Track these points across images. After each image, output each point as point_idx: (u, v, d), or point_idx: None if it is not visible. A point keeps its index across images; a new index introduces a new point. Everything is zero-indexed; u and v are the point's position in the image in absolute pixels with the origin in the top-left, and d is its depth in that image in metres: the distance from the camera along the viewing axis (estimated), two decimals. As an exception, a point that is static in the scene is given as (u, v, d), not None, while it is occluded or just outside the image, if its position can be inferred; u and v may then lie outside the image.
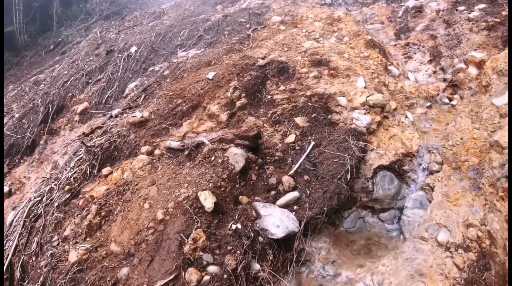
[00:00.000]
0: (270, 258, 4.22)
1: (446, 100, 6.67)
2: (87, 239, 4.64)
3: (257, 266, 4.08)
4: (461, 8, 8.40)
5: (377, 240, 4.93)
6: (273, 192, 4.75)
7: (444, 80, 7.17)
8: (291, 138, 5.34)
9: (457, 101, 6.51)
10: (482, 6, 8.05)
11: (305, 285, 4.35)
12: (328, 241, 4.73)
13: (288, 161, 5.10)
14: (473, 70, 6.56)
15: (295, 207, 4.63)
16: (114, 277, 4.06)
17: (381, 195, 5.11)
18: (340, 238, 4.89)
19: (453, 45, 7.63)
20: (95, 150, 5.72)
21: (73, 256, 4.42)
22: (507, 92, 5.28)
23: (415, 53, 8.18)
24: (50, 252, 4.69)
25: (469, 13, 7.91)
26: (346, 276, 4.39)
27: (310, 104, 5.74)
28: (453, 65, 7.14)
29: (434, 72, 7.62)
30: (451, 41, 7.74)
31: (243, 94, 6.08)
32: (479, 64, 6.50)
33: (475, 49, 7.02)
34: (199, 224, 4.09)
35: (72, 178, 5.57)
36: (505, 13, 7.31)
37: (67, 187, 5.43)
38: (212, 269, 3.84)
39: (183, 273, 3.79)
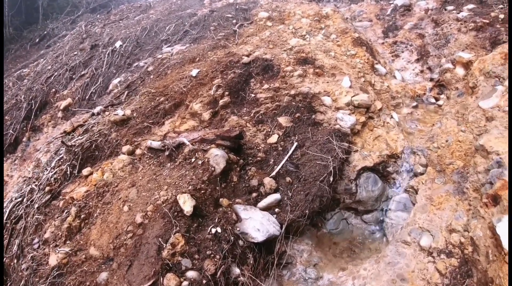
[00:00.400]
0: (251, 262, 4.13)
1: (433, 100, 6.62)
2: (67, 242, 4.52)
3: (237, 271, 3.99)
4: (450, 7, 8.33)
5: (360, 242, 4.87)
6: (254, 194, 4.65)
7: (431, 79, 7.11)
8: (274, 139, 5.23)
9: (443, 101, 6.46)
10: (471, 6, 7.98)
11: (286, 288, 4.29)
12: (310, 243, 4.66)
13: (270, 162, 5.00)
14: (460, 71, 6.51)
15: (276, 210, 4.54)
16: (93, 282, 3.94)
17: (364, 196, 5.04)
18: (322, 240, 4.82)
19: (441, 45, 7.57)
20: (76, 150, 5.57)
21: (53, 260, 4.31)
22: (494, 95, 5.21)
23: (402, 52, 8.10)
24: (31, 255, 4.58)
25: (458, 13, 7.84)
26: (328, 279, 4.33)
27: (294, 103, 5.62)
28: (441, 65, 7.08)
29: (421, 71, 7.56)
30: (439, 41, 7.68)
31: (227, 93, 5.95)
32: (467, 65, 6.44)
33: (463, 50, 6.96)
34: (178, 228, 3.98)
35: (53, 178, 5.42)
36: (494, 14, 7.25)
37: (47, 188, 5.28)
38: (191, 274, 3.74)
39: (161, 278, 3.68)
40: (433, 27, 8.09)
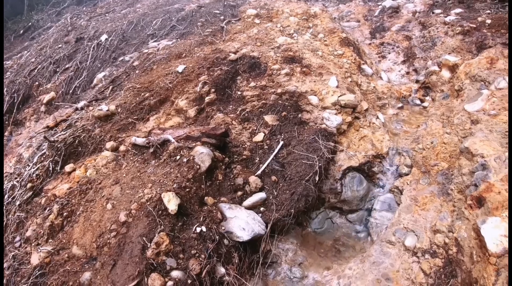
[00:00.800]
0: (236, 261, 4.06)
1: (418, 102, 6.64)
2: (49, 240, 4.38)
3: (222, 270, 3.92)
4: (437, 11, 8.37)
5: (344, 242, 4.84)
6: (239, 193, 4.58)
7: (417, 81, 7.14)
8: (259, 137, 5.15)
9: (428, 103, 6.49)
10: (458, 10, 8.02)
11: (271, 287, 4.24)
12: (295, 242, 4.61)
13: (256, 161, 4.93)
14: (446, 74, 6.55)
15: (261, 209, 4.47)
16: (76, 282, 3.82)
17: (349, 196, 5.02)
18: (307, 239, 4.78)
19: (428, 47, 7.59)
20: (59, 145, 5.41)
21: (35, 259, 4.16)
22: (479, 98, 5.23)
23: (389, 53, 8.10)
24: (12, 253, 4.42)
25: (445, 17, 7.87)
26: (313, 279, 4.29)
27: (280, 102, 5.55)
28: (427, 67, 7.12)
29: (407, 73, 7.57)
30: (426, 43, 7.70)
31: (213, 90, 5.85)
32: (452, 68, 6.47)
33: (449, 53, 7.00)
34: (162, 227, 3.89)
35: (35, 174, 5.25)
36: (481, 19, 7.29)
37: (29, 185, 5.12)
38: (175, 274, 3.66)
39: (145, 278, 3.59)
40: (420, 29, 8.11)
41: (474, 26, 7.15)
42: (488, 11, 7.58)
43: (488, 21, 7.14)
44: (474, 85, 5.61)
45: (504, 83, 5.24)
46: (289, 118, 5.39)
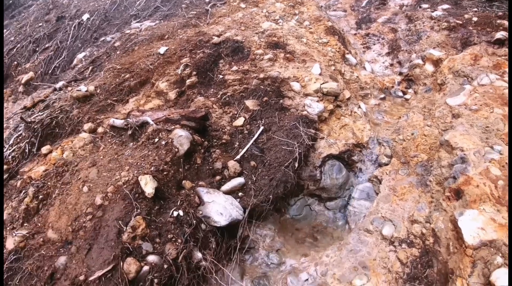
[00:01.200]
0: (213, 246, 4.02)
1: (400, 94, 6.64)
2: (25, 224, 4.25)
3: (199, 255, 3.87)
4: (424, 5, 8.29)
5: (322, 229, 4.82)
6: (218, 177, 4.50)
7: (400, 73, 7.12)
8: (240, 121, 5.06)
9: (410, 95, 6.51)
10: (445, 6, 7.95)
11: (248, 273, 4.20)
12: (273, 228, 4.58)
13: (236, 145, 4.85)
14: (429, 67, 6.56)
15: (240, 194, 4.41)
16: (51, 267, 3.72)
17: (328, 184, 4.98)
18: (285, 225, 4.75)
19: (413, 41, 7.55)
20: (35, 127, 5.24)
21: (10, 243, 4.04)
22: (462, 93, 5.25)
23: (374, 44, 8.03)
24: (-13, 238, 4.31)
25: (432, 12, 7.80)
26: (290, 265, 4.28)
27: (262, 87, 5.45)
28: (411, 60, 7.11)
29: (391, 65, 7.53)
30: (411, 37, 7.65)
31: (194, 72, 5.71)
32: (436, 62, 6.48)
33: (434, 47, 6.96)
34: (138, 210, 3.80)
35: (10, 156, 5.08)
36: (467, 16, 7.26)
37: (5, 167, 4.96)
38: (151, 258, 3.59)
39: (121, 263, 3.51)
40: (407, 23, 8.05)
41: (460, 22, 7.13)
42: (475, 9, 7.55)
43: (475, 19, 7.12)
44: (457, 80, 5.64)
45: (487, 80, 5.28)
46: (271, 104, 5.30)
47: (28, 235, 4.08)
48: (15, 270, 3.84)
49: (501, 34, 6.22)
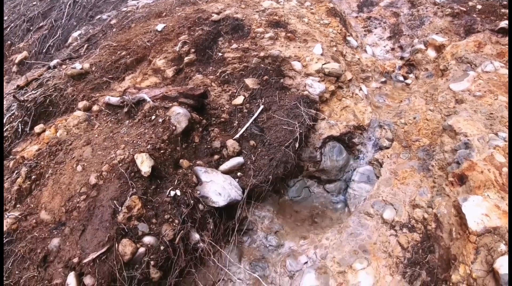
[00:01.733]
0: (211, 227, 3.86)
1: (401, 78, 6.48)
2: (17, 205, 4.08)
3: (196, 236, 3.71)
4: None
5: (321, 211, 4.68)
6: (216, 157, 4.32)
7: (402, 58, 6.97)
8: (239, 100, 4.86)
9: (411, 80, 6.38)
10: None
11: (247, 255, 4.05)
12: (272, 210, 4.42)
13: (235, 124, 4.65)
14: (431, 53, 6.43)
15: (238, 174, 4.24)
16: (44, 249, 3.57)
17: (328, 166, 4.81)
18: (284, 207, 4.60)
19: (415, 26, 7.37)
20: (28, 105, 5.03)
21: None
22: (465, 79, 5.16)
23: (375, 28, 7.81)
24: (-22, 220, 4.13)
25: None
26: (289, 248, 4.13)
27: (262, 65, 5.22)
28: (413, 45, 6.96)
29: (392, 49, 7.35)
30: (414, 21, 7.46)
31: (193, 50, 5.49)
32: (439, 48, 6.34)
33: (437, 33, 6.81)
34: (134, 190, 3.63)
35: (3, 137, 4.89)
36: (471, 3, 7.11)
37: (-4, 146, 4.78)
38: (148, 240, 3.44)
39: (116, 244, 3.37)
40: (409, 7, 7.85)
41: (464, 9, 6.97)
42: None
43: (479, 7, 6.96)
44: (460, 66, 5.55)
45: (491, 67, 5.20)
46: (271, 83, 5.08)
47: (20, 216, 3.91)
48: (8, 253, 3.68)
49: (505, 23, 6.10)
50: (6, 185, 4.29)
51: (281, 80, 5.14)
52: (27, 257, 3.61)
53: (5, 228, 3.84)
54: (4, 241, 3.77)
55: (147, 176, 3.72)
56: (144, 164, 3.74)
